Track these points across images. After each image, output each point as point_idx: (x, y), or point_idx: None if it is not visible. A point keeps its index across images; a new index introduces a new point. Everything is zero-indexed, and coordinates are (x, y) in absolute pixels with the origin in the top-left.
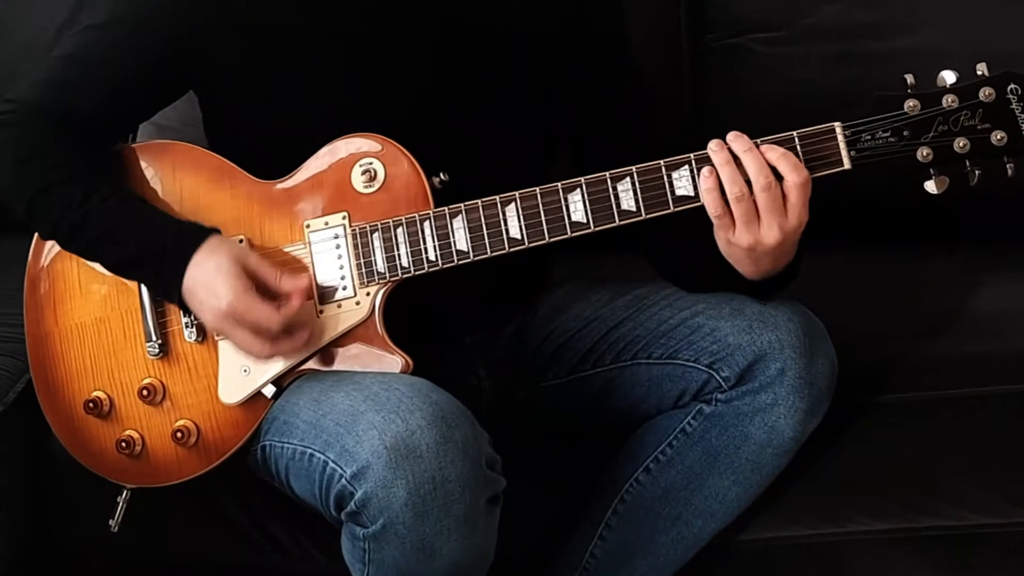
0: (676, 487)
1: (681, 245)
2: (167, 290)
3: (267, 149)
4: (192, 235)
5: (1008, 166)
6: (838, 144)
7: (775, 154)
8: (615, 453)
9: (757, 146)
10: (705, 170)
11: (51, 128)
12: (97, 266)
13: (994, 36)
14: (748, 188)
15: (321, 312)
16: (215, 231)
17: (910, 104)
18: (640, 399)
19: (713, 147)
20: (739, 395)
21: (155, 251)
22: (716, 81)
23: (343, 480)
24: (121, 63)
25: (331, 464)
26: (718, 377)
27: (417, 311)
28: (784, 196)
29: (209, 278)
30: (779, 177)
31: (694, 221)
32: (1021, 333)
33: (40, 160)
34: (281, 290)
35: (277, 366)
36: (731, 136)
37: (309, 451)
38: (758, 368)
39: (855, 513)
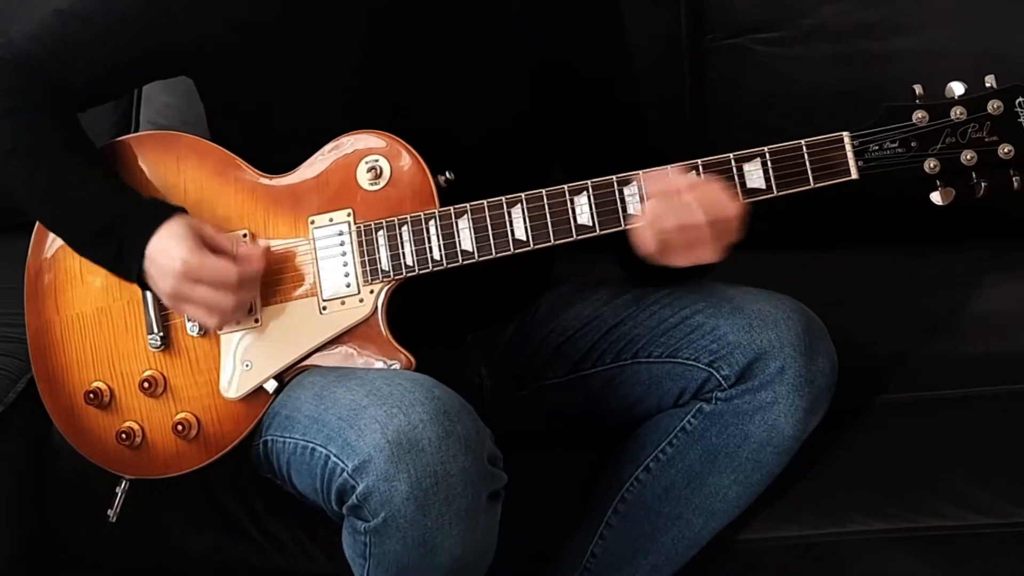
0: (676, 486)
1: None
2: (127, 267)
3: (271, 145)
4: (156, 211)
5: (1015, 179)
6: (846, 154)
7: (709, 188)
8: (615, 452)
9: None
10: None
11: (35, 83)
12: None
13: (994, 36)
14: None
15: (324, 308)
16: (180, 210)
17: (918, 115)
18: (640, 398)
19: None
20: (739, 393)
21: (116, 231)
22: (716, 81)
23: (345, 474)
24: (115, 33)
25: (333, 458)
26: (718, 376)
27: (419, 309)
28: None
29: (165, 245)
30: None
31: None
32: (1021, 333)
33: (16, 119)
34: (239, 253)
35: (279, 361)
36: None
37: (311, 445)
38: (758, 366)
39: (855, 513)
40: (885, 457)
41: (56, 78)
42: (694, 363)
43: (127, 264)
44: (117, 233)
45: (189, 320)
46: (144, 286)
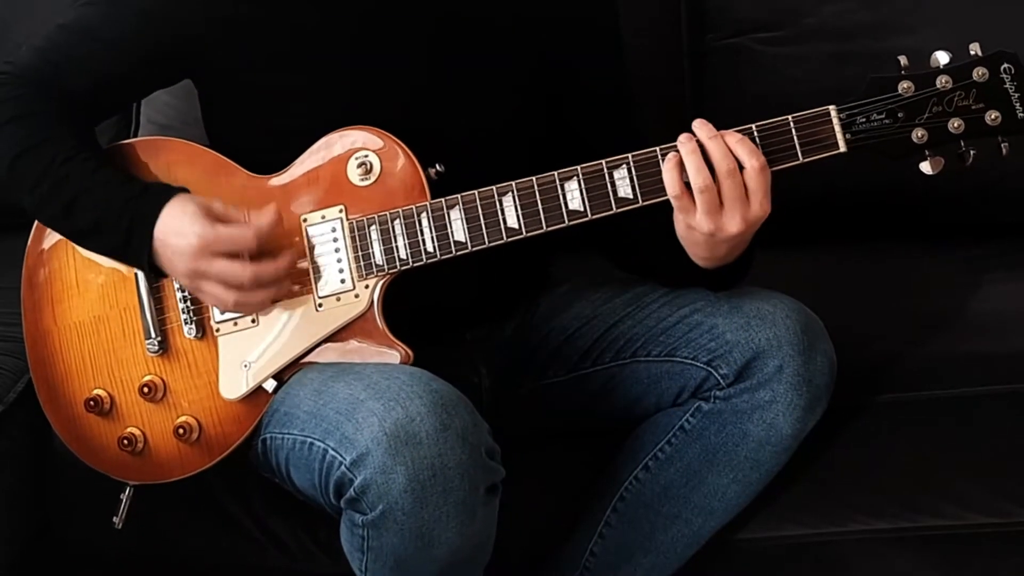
0: (675, 485)
1: (637, 233)
2: (136, 252)
3: (267, 144)
4: (158, 194)
5: (1003, 145)
6: (833, 127)
7: (733, 139)
8: (614, 452)
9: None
10: (671, 155)
11: (42, 93)
12: (72, 246)
13: (994, 37)
14: (712, 179)
15: (320, 305)
16: (183, 189)
17: (904, 86)
18: (639, 397)
19: (682, 139)
20: (737, 392)
21: (122, 213)
22: (716, 81)
23: (343, 467)
24: (119, 44)
25: (331, 452)
26: (716, 374)
27: (418, 308)
28: (745, 184)
29: (177, 223)
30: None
31: (658, 208)
32: (1021, 333)
33: (27, 122)
34: (251, 222)
35: (278, 360)
36: (696, 123)
37: (309, 440)
38: (756, 365)
39: (855, 513)
40: (885, 457)
41: (63, 89)
42: (692, 362)
43: (135, 249)
44: (123, 217)
45: (189, 313)
46: (155, 271)
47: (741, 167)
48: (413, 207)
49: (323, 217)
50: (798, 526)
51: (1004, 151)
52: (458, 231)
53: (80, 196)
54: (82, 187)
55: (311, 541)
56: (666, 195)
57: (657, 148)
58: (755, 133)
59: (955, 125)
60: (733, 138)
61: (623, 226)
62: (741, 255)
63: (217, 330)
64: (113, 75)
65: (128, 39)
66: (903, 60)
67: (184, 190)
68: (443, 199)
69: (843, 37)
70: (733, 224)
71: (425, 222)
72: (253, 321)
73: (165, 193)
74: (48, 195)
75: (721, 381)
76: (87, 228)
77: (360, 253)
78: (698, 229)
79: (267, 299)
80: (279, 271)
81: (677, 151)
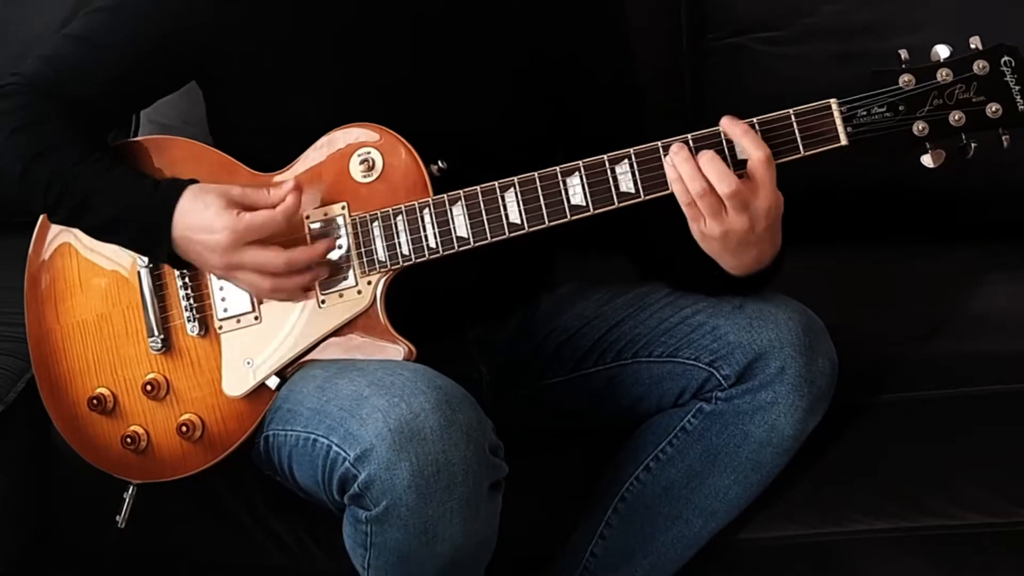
0: (676, 485)
1: (666, 243)
2: (154, 248)
3: (269, 143)
4: (170, 189)
5: (1004, 138)
6: (834, 121)
7: (739, 129)
8: (615, 452)
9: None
10: (666, 160)
11: (50, 102)
12: (85, 238)
13: (994, 36)
14: (708, 184)
15: (323, 302)
16: (193, 181)
17: (905, 79)
18: (640, 397)
19: (674, 148)
20: (739, 393)
21: (136, 209)
22: (716, 81)
23: (347, 463)
24: (125, 49)
25: (335, 448)
26: (718, 375)
27: (420, 304)
28: (750, 176)
29: (200, 219)
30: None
31: (677, 214)
32: (1021, 333)
33: (36, 129)
34: (274, 199)
35: (280, 357)
36: (673, 148)
37: (312, 436)
38: (758, 366)
39: (855, 513)
40: (885, 457)
41: (71, 98)
42: (694, 363)
43: (154, 247)
44: (135, 217)
45: (192, 310)
46: (182, 264)
47: (746, 160)
48: (415, 203)
49: (326, 214)
50: (798, 526)
51: (1005, 143)
52: (460, 227)
53: (91, 195)
54: (93, 187)
55: (312, 541)
56: (668, 190)
57: (659, 143)
58: (757, 126)
59: (956, 118)
60: (739, 128)
61: (643, 227)
62: (773, 257)
63: (220, 327)
64: (120, 81)
65: (134, 44)
66: (904, 54)
67: (194, 182)
68: (445, 195)
69: (843, 37)
70: (739, 221)
71: (427, 218)
72: (256, 318)
73: (176, 187)
74: (59, 197)
75: (723, 382)
76: (100, 225)
77: (363, 249)
78: (709, 234)
79: (302, 284)
80: (313, 256)
81: (700, 146)
